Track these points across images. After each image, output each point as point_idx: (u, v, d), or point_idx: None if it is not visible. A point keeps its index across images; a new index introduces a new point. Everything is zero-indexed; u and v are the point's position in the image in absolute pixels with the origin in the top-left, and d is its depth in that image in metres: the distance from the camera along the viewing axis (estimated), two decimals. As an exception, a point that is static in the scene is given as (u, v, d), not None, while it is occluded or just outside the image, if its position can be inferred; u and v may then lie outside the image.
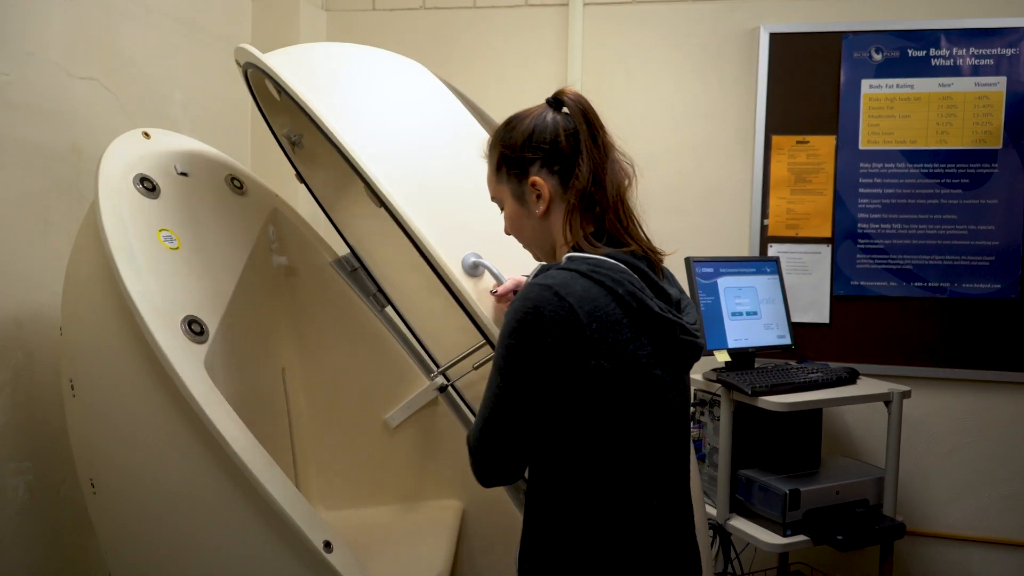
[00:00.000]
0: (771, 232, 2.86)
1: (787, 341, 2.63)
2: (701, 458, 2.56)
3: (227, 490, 1.58)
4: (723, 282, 2.54)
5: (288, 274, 2.21)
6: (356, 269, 2.30)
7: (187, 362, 1.58)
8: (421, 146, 1.72)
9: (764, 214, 2.86)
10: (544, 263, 1.29)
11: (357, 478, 2.32)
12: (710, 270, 2.53)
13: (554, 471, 1.23)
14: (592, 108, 1.25)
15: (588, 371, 1.13)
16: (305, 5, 2.99)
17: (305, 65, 1.80)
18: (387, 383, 2.29)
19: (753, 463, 2.46)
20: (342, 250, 2.30)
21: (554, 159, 1.22)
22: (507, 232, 1.34)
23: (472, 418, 2.38)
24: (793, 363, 2.70)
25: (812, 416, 2.56)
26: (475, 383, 2.38)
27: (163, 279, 1.66)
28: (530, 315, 1.11)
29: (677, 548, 1.26)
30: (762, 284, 2.61)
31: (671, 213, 2.91)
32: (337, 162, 1.93)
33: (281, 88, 1.70)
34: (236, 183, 2.08)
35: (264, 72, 1.74)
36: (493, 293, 1.53)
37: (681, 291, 1.36)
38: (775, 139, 2.84)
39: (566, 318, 1.11)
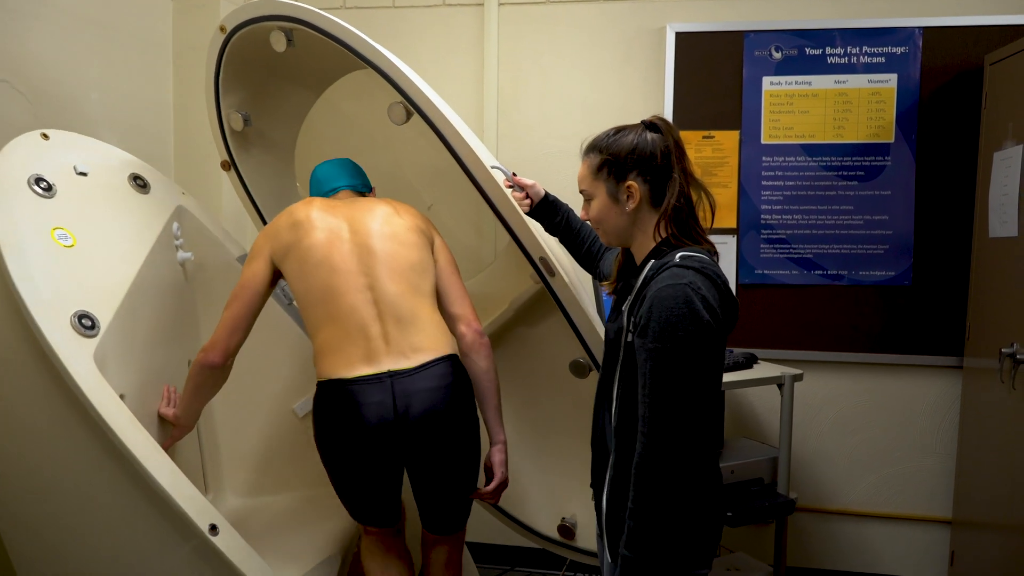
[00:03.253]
0: (709, 223, 2.97)
1: (689, 328, 2.74)
2: (608, 441, 2.68)
3: (115, 477, 1.66)
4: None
5: (196, 269, 2.28)
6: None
7: (75, 355, 1.65)
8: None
9: (673, 206, 2.97)
10: (656, 261, 1.52)
11: (268, 466, 2.40)
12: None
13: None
14: (679, 134, 1.59)
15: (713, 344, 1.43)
16: (226, 5, 3.05)
17: None
18: (295, 374, 2.37)
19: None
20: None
21: (649, 170, 1.53)
22: (586, 219, 1.65)
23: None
24: None
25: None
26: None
27: (55, 276, 1.73)
28: (684, 308, 1.38)
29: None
30: (665, 274, 2.72)
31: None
32: (286, 140, 2.10)
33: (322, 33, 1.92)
34: (139, 181, 2.14)
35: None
36: (510, 186, 1.95)
37: None
38: (682, 134, 2.93)
39: (705, 306, 1.40)
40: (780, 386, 2.55)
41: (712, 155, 2.94)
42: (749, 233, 2.94)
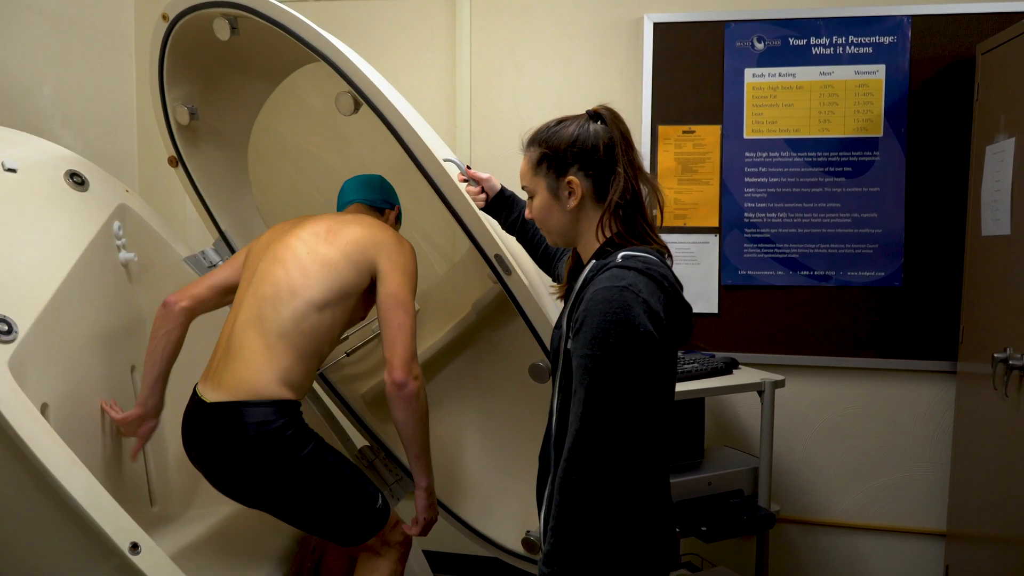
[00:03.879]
0: (659, 222, 2.84)
1: (666, 332, 2.62)
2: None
3: (29, 490, 1.55)
4: (599, 273, 2.52)
5: (141, 270, 2.17)
6: (214, 265, 2.27)
7: (-15, 362, 1.54)
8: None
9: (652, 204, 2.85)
10: (597, 261, 1.41)
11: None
12: (585, 261, 2.52)
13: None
14: (626, 125, 1.46)
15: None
16: (189, -2, 2.95)
17: None
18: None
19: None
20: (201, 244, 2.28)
21: (591, 164, 1.41)
22: (530, 217, 1.53)
23: (335, 404, 2.37)
24: (680, 353, 2.69)
25: (693, 406, 2.56)
26: (344, 367, 2.36)
27: (-33, 277, 1.63)
28: (620, 314, 1.26)
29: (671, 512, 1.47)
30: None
31: (560, 205, 2.90)
32: (237, 134, 2.00)
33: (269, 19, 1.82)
34: (76, 179, 2.04)
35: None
36: (464, 180, 1.88)
37: None
38: (661, 129, 2.83)
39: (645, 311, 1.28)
40: (760, 393, 2.42)
41: (693, 151, 2.81)
42: (732, 232, 2.81)
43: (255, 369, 1.82)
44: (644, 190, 1.46)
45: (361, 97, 1.78)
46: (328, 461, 1.86)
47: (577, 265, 1.53)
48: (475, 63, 2.95)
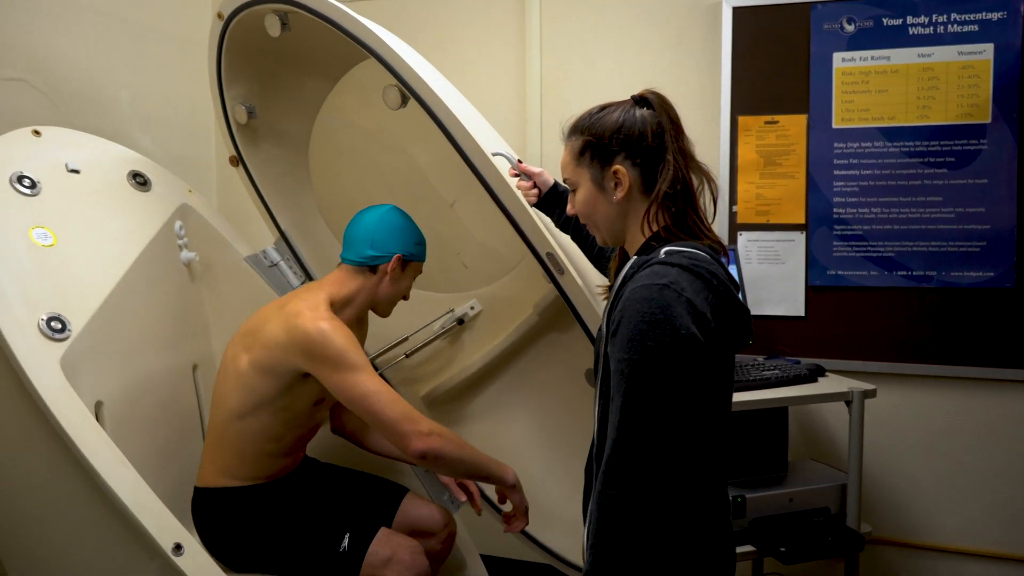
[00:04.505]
0: (740, 219, 2.68)
1: (744, 336, 2.45)
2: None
3: (77, 486, 1.56)
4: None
5: (203, 270, 2.19)
6: (275, 264, 2.26)
7: (38, 359, 1.56)
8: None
9: (732, 200, 2.68)
10: (638, 257, 1.30)
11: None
12: (656, 261, 2.38)
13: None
14: (675, 110, 1.35)
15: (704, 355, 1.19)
16: (263, 1, 2.98)
17: None
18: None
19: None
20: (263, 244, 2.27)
21: (638, 152, 1.31)
22: (573, 213, 1.42)
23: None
24: (761, 359, 2.52)
25: (774, 416, 2.39)
26: (404, 369, 2.32)
27: (27, 276, 1.66)
28: (659, 314, 1.14)
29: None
30: (717, 275, 2.44)
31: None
32: (298, 133, 1.95)
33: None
34: (139, 179, 2.07)
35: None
36: (516, 174, 1.79)
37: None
38: (742, 120, 2.66)
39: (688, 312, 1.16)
40: (848, 403, 2.23)
41: (776, 142, 2.63)
42: (820, 229, 2.61)
43: (202, 463, 1.92)
44: (695, 180, 1.34)
45: (404, 87, 1.72)
46: (271, 525, 1.86)
47: (624, 262, 1.41)
48: (545, 57, 2.86)
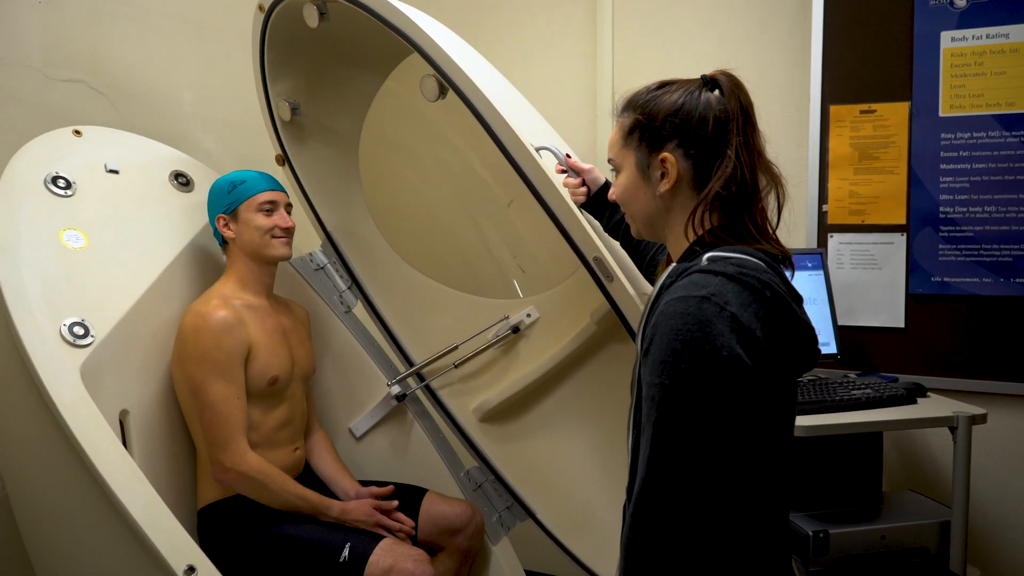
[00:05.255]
0: (831, 220, 2.42)
1: (831, 350, 2.20)
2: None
3: (93, 503, 1.50)
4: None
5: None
6: (322, 267, 2.17)
7: (55, 365, 1.51)
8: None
9: (822, 199, 2.42)
10: (677, 264, 1.15)
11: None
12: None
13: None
14: (749, 98, 1.16)
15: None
16: None
17: None
18: (351, 389, 2.14)
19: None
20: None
21: (694, 142, 1.12)
22: (613, 198, 1.26)
23: (444, 424, 2.18)
24: (852, 375, 2.26)
25: (866, 442, 2.13)
26: (454, 383, 2.18)
27: (52, 279, 1.61)
28: (696, 332, 0.98)
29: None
30: (802, 282, 2.20)
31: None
32: (347, 131, 1.94)
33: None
34: (181, 179, 2.01)
35: None
36: (563, 171, 1.66)
37: None
38: (834, 109, 2.39)
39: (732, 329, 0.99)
40: (953, 429, 1.95)
41: (873, 134, 2.36)
42: (923, 231, 2.32)
43: (198, 483, 1.88)
44: (762, 182, 1.15)
45: (439, 74, 1.58)
46: (267, 536, 1.79)
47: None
48: (618, 45, 2.67)
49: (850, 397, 2.01)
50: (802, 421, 1.88)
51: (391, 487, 1.98)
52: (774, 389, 1.04)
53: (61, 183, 1.74)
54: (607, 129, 2.68)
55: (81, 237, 1.71)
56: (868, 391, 2.05)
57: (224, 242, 1.91)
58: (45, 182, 1.72)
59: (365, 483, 2.01)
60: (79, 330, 1.58)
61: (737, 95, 1.15)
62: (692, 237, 1.13)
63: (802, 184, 2.45)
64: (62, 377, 1.50)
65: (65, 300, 1.60)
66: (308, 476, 1.98)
